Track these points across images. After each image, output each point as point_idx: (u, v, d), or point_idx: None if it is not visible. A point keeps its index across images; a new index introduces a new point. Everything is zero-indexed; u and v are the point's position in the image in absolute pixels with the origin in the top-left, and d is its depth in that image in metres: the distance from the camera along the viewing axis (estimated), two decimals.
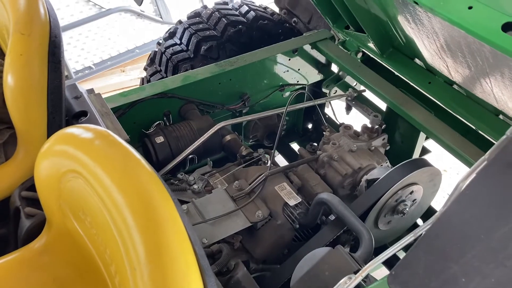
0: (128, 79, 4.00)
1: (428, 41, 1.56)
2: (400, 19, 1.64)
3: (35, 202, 1.21)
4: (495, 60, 1.24)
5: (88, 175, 0.85)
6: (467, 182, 0.85)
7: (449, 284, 0.82)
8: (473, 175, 0.84)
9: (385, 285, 0.96)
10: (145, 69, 2.53)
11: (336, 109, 2.35)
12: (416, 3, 1.21)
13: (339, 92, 2.34)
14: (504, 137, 0.86)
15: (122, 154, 0.85)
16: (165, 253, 0.74)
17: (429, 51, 1.67)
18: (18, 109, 1.31)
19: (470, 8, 1.07)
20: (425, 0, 1.17)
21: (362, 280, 1.28)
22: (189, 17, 2.46)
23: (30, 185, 1.29)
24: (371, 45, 2.08)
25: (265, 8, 2.56)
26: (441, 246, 0.85)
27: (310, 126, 2.63)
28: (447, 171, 3.04)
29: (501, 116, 1.70)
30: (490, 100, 1.60)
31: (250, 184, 1.71)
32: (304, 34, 2.30)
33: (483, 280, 0.78)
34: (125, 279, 0.78)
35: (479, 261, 0.79)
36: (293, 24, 2.61)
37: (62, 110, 1.38)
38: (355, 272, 1.28)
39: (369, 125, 2.00)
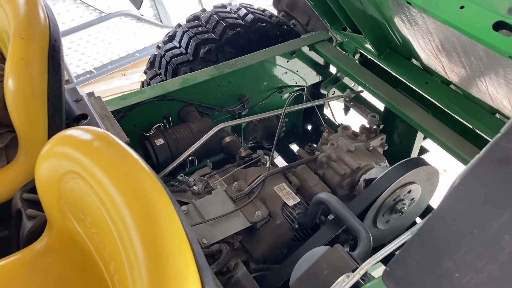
0: (129, 83, 4.02)
1: (424, 41, 1.58)
2: (396, 19, 1.65)
3: (37, 204, 1.23)
4: (488, 59, 1.26)
5: (87, 176, 0.86)
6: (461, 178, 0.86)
7: (442, 279, 0.83)
8: (466, 172, 0.86)
9: (382, 283, 0.97)
10: (145, 72, 2.55)
11: (335, 110, 2.36)
12: (409, 3, 1.22)
13: (338, 93, 2.35)
14: (498, 135, 0.87)
15: (120, 154, 0.86)
16: (163, 251, 0.76)
17: (425, 51, 1.69)
18: (19, 112, 1.33)
19: (462, 7, 1.08)
20: (418, 0, 1.18)
21: (361, 278, 1.29)
22: (188, 21, 2.49)
23: (31, 187, 1.30)
24: (368, 46, 2.09)
25: (263, 10, 2.58)
26: (434, 242, 0.86)
27: (309, 127, 2.64)
28: (447, 170, 3.05)
29: (497, 115, 1.71)
30: (486, 99, 1.61)
31: (249, 185, 1.72)
32: (302, 36, 2.32)
33: (476, 275, 0.79)
34: (124, 277, 0.79)
35: (472, 256, 0.81)
36: (291, 26, 2.63)
37: (63, 113, 1.40)
38: (353, 270, 1.29)
39: (367, 126, 2.01)
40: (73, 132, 0.96)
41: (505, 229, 0.78)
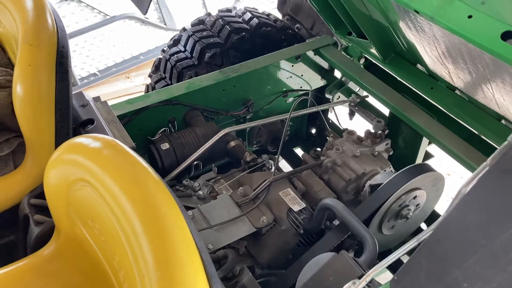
0: (133, 85, 4.02)
1: (430, 47, 1.58)
2: (402, 25, 1.66)
3: (44, 210, 1.23)
4: (495, 66, 1.26)
5: (97, 184, 0.87)
6: (469, 188, 0.86)
7: None
8: (474, 181, 0.86)
9: None
10: (150, 76, 2.56)
11: (340, 114, 2.36)
12: (417, 11, 1.23)
13: (342, 97, 2.36)
14: (505, 143, 0.87)
15: (130, 163, 0.87)
16: (173, 261, 0.76)
17: (431, 57, 1.69)
18: (27, 118, 1.34)
19: (469, 17, 1.09)
20: (425, 9, 1.18)
21: (367, 284, 1.29)
22: (193, 25, 2.49)
23: (38, 192, 1.31)
24: (373, 51, 2.09)
25: (268, 14, 2.58)
26: (442, 251, 0.86)
27: (313, 131, 2.65)
28: (451, 175, 3.04)
29: (503, 121, 1.71)
30: (492, 105, 1.61)
31: (254, 190, 1.72)
32: (307, 41, 2.32)
33: (485, 285, 0.79)
34: (134, 285, 0.80)
35: (480, 267, 0.81)
36: (296, 30, 2.63)
37: (70, 119, 1.41)
38: (359, 277, 1.29)
39: (372, 131, 2.02)
40: (83, 140, 0.96)
41: None
